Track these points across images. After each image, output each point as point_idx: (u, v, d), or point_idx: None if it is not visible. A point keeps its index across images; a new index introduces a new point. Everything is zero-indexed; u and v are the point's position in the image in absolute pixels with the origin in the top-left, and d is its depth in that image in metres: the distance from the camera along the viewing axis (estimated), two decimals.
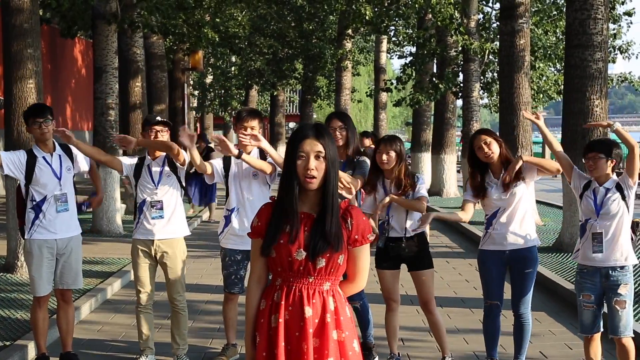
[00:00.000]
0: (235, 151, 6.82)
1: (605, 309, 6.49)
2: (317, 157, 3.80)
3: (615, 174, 6.51)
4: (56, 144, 7.27)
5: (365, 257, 3.98)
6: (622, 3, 28.77)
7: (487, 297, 6.98)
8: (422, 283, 7.11)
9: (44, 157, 7.11)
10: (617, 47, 29.56)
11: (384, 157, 6.97)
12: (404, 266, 7.16)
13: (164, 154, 7.31)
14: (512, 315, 6.99)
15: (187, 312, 7.48)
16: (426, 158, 26.19)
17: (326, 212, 3.82)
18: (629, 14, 28.72)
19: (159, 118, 7.35)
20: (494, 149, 6.74)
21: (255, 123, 7.10)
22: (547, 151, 41.00)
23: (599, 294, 6.42)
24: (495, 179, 6.80)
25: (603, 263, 6.36)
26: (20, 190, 7.22)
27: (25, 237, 7.15)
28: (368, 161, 7.37)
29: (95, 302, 9.87)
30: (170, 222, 7.29)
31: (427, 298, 7.14)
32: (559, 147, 6.79)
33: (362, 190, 7.51)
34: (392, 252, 7.05)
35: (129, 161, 7.37)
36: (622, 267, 6.35)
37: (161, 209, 7.22)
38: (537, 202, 19.01)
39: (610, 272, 6.35)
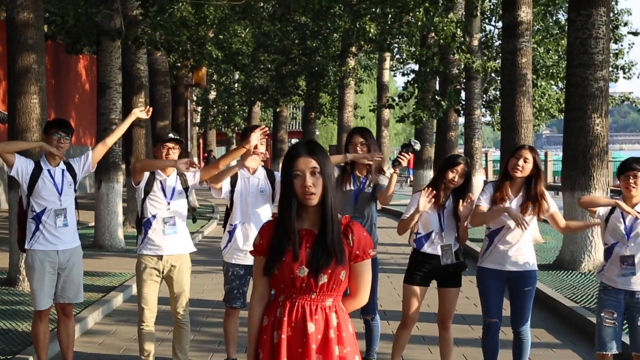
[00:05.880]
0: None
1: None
2: (312, 173, 3.81)
3: None
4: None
5: (367, 272, 3.99)
6: (625, 24, 28.93)
7: (486, 315, 6.99)
8: (448, 300, 7.12)
9: (48, 171, 7.15)
10: (619, 66, 29.69)
11: (457, 179, 6.94)
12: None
13: (176, 170, 7.33)
14: (511, 331, 7.02)
15: (189, 326, 7.50)
16: (429, 175, 26.25)
17: (327, 226, 3.84)
18: (635, 33, 28.87)
19: (171, 135, 7.35)
20: (526, 169, 6.70)
21: (262, 138, 7.27)
22: (549, 169, 40.98)
23: (622, 311, 6.41)
24: (512, 196, 6.79)
25: (629, 286, 6.35)
26: (22, 202, 7.28)
27: (26, 247, 7.18)
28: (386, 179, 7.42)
29: (97, 316, 9.90)
30: (180, 237, 7.32)
31: (449, 315, 7.17)
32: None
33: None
34: (452, 269, 7.01)
35: (146, 173, 7.35)
36: None
37: (174, 224, 7.23)
38: (544, 221, 19.03)
39: (636, 291, 6.34)
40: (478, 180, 20.36)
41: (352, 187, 7.31)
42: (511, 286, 6.88)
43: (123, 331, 9.40)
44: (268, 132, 7.19)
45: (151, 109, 7.59)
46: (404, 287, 7.19)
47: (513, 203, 6.76)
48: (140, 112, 7.43)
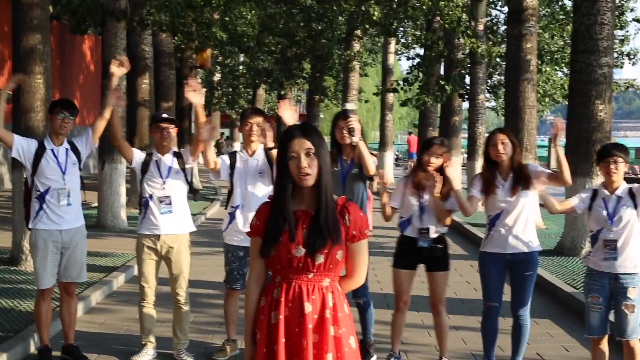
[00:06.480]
0: (270, 144, 7.00)
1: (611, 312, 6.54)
2: (307, 154, 3.85)
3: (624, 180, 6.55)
4: (66, 139, 7.37)
5: (363, 252, 4.03)
6: (631, 10, 28.85)
7: (487, 299, 7.03)
8: (436, 284, 7.17)
9: (52, 150, 7.21)
10: (624, 52, 29.64)
11: (433, 160, 7.02)
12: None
13: (173, 149, 7.40)
14: (511, 316, 7.05)
15: (189, 307, 7.57)
16: None
17: (320, 207, 3.88)
18: (639, 20, 28.78)
19: (165, 115, 7.43)
20: (508, 150, 6.80)
21: (259, 120, 7.33)
22: (553, 155, 41.01)
23: (607, 296, 6.44)
24: (503, 180, 6.85)
25: (613, 269, 6.39)
26: (27, 181, 7.33)
27: (29, 227, 7.26)
28: (375, 159, 7.47)
29: (98, 296, 9.97)
30: (178, 217, 7.38)
31: (439, 299, 7.20)
32: (560, 207, 6.81)
33: (370, 180, 7.62)
34: (426, 253, 7.07)
35: (140, 154, 7.43)
36: (632, 273, 6.39)
37: (170, 204, 7.30)
38: (540, 205, 19.04)
39: (620, 275, 6.38)
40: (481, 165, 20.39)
41: (340, 170, 7.37)
42: (512, 270, 6.92)
43: (124, 311, 9.46)
44: (199, 83, 7.15)
45: (127, 60, 7.57)
46: (392, 271, 7.27)
47: (505, 187, 6.81)
48: (117, 67, 7.45)
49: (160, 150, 7.38)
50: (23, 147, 7.19)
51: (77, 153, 7.38)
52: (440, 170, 7.02)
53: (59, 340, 7.71)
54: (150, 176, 7.33)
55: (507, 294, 7.02)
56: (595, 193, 6.59)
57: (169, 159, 7.36)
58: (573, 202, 6.69)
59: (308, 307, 3.88)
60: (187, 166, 7.42)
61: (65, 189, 7.20)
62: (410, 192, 7.11)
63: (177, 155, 7.40)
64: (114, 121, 7.39)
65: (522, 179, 6.80)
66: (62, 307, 7.51)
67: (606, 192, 6.48)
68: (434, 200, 6.97)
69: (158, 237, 7.32)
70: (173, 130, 7.38)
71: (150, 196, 7.32)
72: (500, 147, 6.80)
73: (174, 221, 7.35)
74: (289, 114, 6.61)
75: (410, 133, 43.19)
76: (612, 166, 6.39)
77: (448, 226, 7.17)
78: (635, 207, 6.40)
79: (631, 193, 6.43)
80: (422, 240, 7.03)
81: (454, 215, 7.45)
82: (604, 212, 6.45)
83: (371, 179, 7.46)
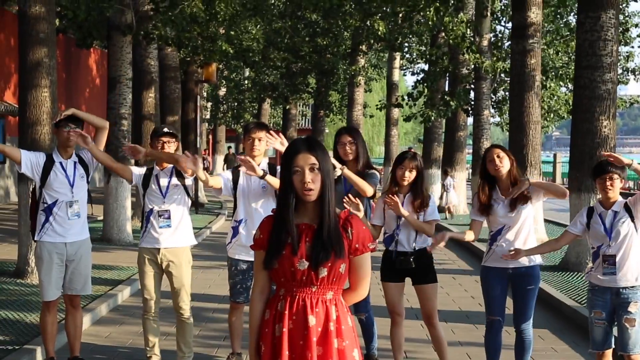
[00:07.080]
0: (260, 172, 6.97)
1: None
2: (311, 169, 3.88)
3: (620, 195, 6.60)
4: (74, 152, 7.42)
5: (366, 265, 4.05)
6: (636, 26, 28.89)
7: (489, 313, 7.05)
8: (425, 297, 7.19)
9: (60, 163, 7.26)
10: (629, 69, 29.66)
11: (406, 174, 7.07)
12: (408, 280, 7.22)
13: (172, 164, 7.44)
14: (514, 330, 7.07)
15: (192, 320, 7.57)
16: (437, 175, 26.27)
17: (323, 220, 3.91)
18: None
19: (166, 129, 7.47)
20: (505, 164, 6.84)
21: (262, 134, 7.31)
22: (558, 171, 41.03)
23: (610, 311, 6.48)
24: (502, 196, 6.88)
25: (614, 284, 6.43)
26: (35, 192, 7.38)
27: (35, 239, 7.30)
28: (378, 174, 7.51)
29: (104, 309, 9.99)
30: (177, 231, 7.40)
31: (430, 312, 7.22)
32: (561, 242, 6.99)
33: (371, 200, 7.64)
34: (397, 265, 7.12)
35: (139, 171, 7.49)
36: (632, 286, 6.43)
37: (169, 218, 7.34)
38: (546, 220, 19.06)
39: (621, 290, 6.42)
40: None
41: (342, 186, 7.40)
42: (514, 284, 6.93)
43: (130, 324, 9.48)
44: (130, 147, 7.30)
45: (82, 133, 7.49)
46: (382, 285, 7.32)
47: (505, 202, 6.83)
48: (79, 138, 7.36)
49: (160, 164, 7.42)
50: (32, 161, 7.24)
51: (85, 166, 7.44)
52: (415, 183, 7.09)
53: (64, 352, 7.73)
54: (151, 191, 7.38)
55: (510, 308, 7.03)
56: (591, 211, 6.64)
57: (168, 173, 7.40)
58: (571, 230, 6.76)
59: (312, 320, 3.90)
60: (186, 181, 7.45)
61: (73, 202, 7.25)
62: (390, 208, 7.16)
63: (177, 169, 7.42)
64: (97, 155, 7.37)
65: (520, 194, 6.82)
66: (68, 319, 7.54)
67: (602, 208, 6.54)
68: (405, 217, 7.02)
69: (158, 250, 7.36)
70: (173, 145, 7.42)
71: (151, 210, 7.37)
72: (497, 161, 6.83)
73: (173, 235, 7.38)
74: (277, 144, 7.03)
75: (410, 148, 43.14)
76: (607, 182, 6.45)
77: (431, 236, 7.19)
78: (632, 219, 6.45)
79: (627, 207, 6.48)
80: (394, 254, 7.09)
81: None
82: (602, 229, 6.50)
83: (372, 197, 7.49)
